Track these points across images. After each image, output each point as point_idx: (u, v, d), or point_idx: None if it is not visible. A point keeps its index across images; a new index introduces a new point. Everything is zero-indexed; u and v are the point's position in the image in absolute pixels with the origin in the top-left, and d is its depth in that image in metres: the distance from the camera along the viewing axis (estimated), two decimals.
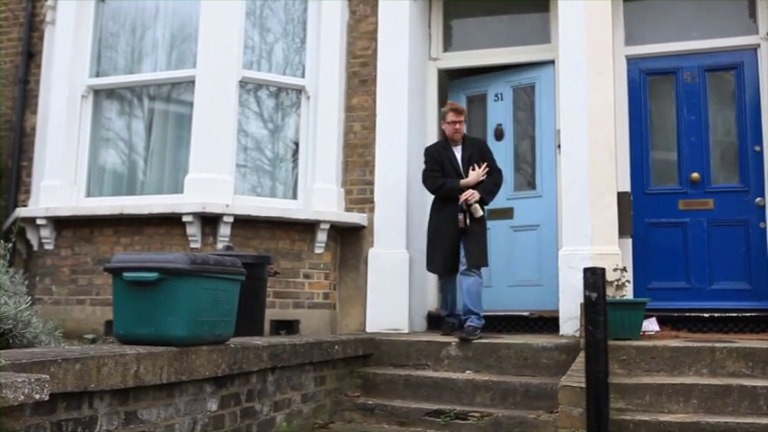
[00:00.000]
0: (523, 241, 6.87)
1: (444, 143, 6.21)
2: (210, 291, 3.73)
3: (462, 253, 5.87)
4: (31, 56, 7.72)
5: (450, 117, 6.08)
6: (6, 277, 4.36)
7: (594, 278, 3.72)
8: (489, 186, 6.02)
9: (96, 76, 7.10)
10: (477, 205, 5.83)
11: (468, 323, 5.75)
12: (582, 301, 5.18)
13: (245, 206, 6.35)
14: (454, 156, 6.09)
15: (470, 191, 5.85)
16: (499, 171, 6.13)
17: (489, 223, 7.01)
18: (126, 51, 7.16)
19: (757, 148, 6.27)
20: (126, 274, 3.58)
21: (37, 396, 2.35)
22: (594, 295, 3.70)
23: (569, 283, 5.79)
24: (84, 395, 3.01)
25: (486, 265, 6.02)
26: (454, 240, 5.90)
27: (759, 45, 6.37)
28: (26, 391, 2.29)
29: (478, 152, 6.08)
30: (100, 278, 6.39)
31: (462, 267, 5.88)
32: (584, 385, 3.88)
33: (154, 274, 3.52)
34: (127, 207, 6.46)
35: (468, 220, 5.81)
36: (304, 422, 4.88)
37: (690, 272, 6.30)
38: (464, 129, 6.16)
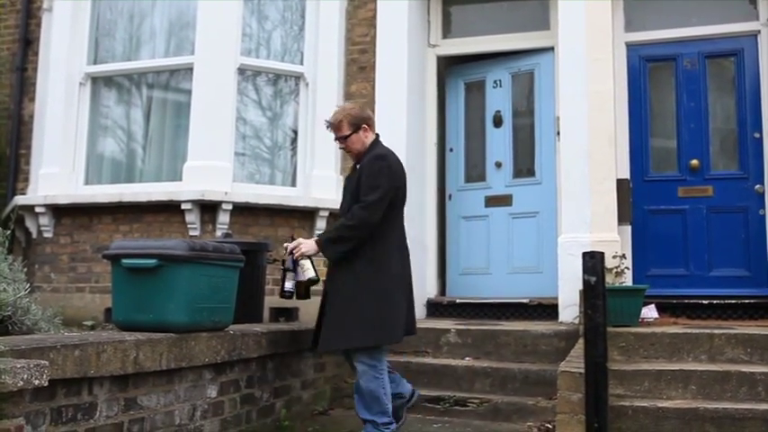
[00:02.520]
0: (522, 228, 6.86)
1: (354, 164, 4.51)
2: (209, 277, 3.73)
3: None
4: (28, 43, 7.66)
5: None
6: (5, 264, 4.35)
7: (593, 262, 3.71)
8: (339, 229, 4.14)
9: (94, 64, 7.08)
10: (307, 262, 4.15)
11: None
12: (581, 288, 5.21)
13: (243, 194, 6.35)
14: (348, 183, 4.44)
15: (298, 240, 4.20)
16: (363, 206, 4.07)
17: (488, 210, 7.02)
18: (124, 39, 7.14)
19: (757, 135, 6.25)
20: (125, 261, 3.58)
21: (36, 382, 2.35)
22: (593, 279, 3.69)
23: (568, 270, 5.79)
24: (84, 381, 3.02)
25: (364, 345, 4.06)
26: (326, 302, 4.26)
27: (759, 31, 6.33)
28: (25, 376, 2.30)
29: (356, 179, 4.25)
30: (99, 266, 6.39)
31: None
32: (583, 371, 3.88)
33: (153, 261, 3.52)
34: (126, 195, 6.45)
35: (286, 284, 4.16)
36: (303, 409, 4.89)
37: (689, 259, 6.29)
38: (360, 146, 4.32)
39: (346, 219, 4.12)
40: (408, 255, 4.37)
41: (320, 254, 4.23)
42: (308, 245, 4.15)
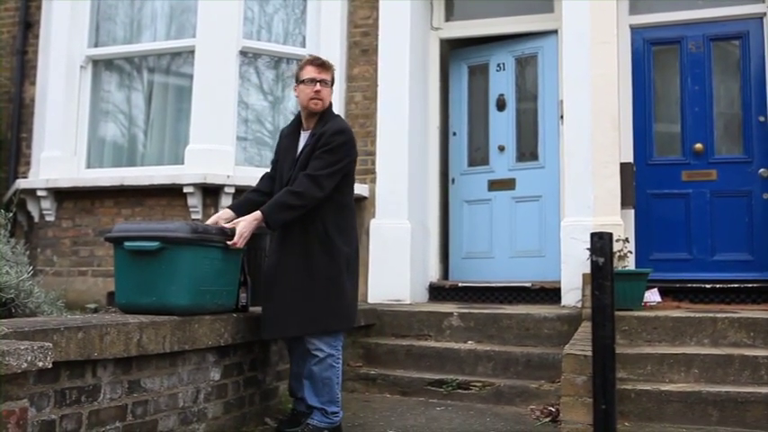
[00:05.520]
0: (525, 212, 6.85)
1: (296, 123, 4.17)
2: (212, 260, 3.71)
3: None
4: (28, 26, 7.62)
5: (309, 73, 3.97)
6: (8, 247, 4.35)
7: (602, 243, 3.69)
8: (284, 195, 3.82)
9: (95, 47, 7.05)
10: None
11: (308, 421, 3.92)
12: (584, 271, 5.21)
13: (246, 177, 6.30)
14: (296, 144, 4.06)
15: (234, 225, 3.84)
16: (313, 177, 3.79)
17: (491, 194, 7.01)
18: (125, 22, 7.10)
19: (761, 119, 6.22)
20: (127, 244, 3.56)
21: (40, 363, 2.34)
22: (601, 260, 3.67)
23: (571, 253, 5.80)
24: (88, 364, 3.01)
25: (320, 332, 3.85)
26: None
27: (765, 14, 6.28)
28: (29, 358, 2.29)
29: (315, 142, 3.89)
30: (101, 249, 6.39)
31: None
32: (587, 353, 3.88)
33: (155, 244, 3.50)
34: (127, 178, 6.44)
35: (241, 297, 4.09)
36: None
37: (692, 243, 6.28)
38: (328, 101, 4.02)
39: (293, 186, 3.81)
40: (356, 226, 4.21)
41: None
42: (248, 224, 3.80)
